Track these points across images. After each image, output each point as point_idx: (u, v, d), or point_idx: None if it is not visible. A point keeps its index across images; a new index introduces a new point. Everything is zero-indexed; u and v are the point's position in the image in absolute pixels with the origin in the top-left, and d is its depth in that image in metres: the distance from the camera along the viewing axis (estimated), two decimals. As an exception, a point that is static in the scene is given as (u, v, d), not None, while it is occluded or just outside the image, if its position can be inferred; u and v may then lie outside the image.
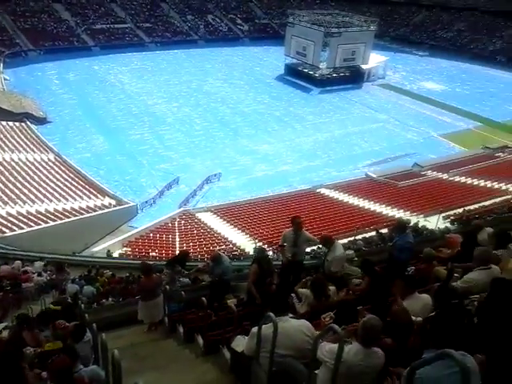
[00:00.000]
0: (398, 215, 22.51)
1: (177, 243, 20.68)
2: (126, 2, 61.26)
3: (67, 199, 23.24)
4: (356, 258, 9.26)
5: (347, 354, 2.94)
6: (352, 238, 17.76)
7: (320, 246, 10.08)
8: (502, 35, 56.41)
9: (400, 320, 3.36)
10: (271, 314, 3.28)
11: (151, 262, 13.29)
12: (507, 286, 3.60)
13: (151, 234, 21.78)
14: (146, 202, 24.92)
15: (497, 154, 32.14)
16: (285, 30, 51.61)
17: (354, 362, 2.89)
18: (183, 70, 48.27)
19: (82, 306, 9.54)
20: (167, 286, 7.67)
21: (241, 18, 65.58)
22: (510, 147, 33.43)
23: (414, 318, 3.70)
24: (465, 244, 6.36)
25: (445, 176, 28.33)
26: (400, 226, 7.76)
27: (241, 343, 4.21)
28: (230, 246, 20.32)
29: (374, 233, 18.96)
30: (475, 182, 27.07)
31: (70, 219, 20.83)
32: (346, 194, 25.91)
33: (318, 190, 26.66)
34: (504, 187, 25.41)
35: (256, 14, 67.32)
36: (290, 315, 4.44)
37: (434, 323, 2.70)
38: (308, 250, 14.26)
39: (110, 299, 11.52)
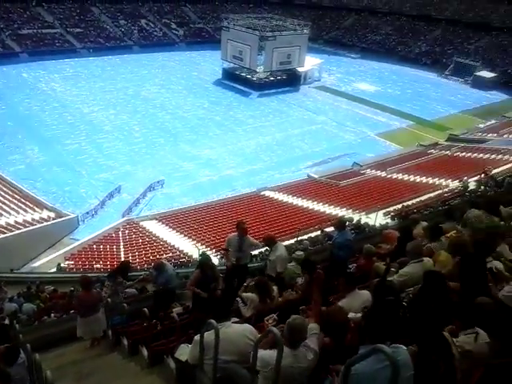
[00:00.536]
0: (340, 214, 23.11)
1: (122, 254, 20.17)
2: (54, 6, 58.76)
3: (1, 214, 22.02)
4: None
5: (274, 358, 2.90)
6: (298, 239, 18.08)
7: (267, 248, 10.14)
8: (426, 38, 59.53)
9: (336, 318, 3.44)
10: (212, 321, 3.27)
11: (95, 275, 12.88)
12: (437, 278, 3.81)
13: (94, 246, 21.09)
14: (87, 212, 24.11)
15: (429, 151, 33.84)
16: (220, 34, 51.69)
17: (283, 366, 2.89)
18: (119, 77, 47.16)
19: (17, 325, 9.08)
20: (109, 299, 7.46)
21: (175, 23, 64.90)
22: (440, 144, 35.35)
23: (354, 314, 3.81)
24: (401, 239, 6.62)
25: (383, 174, 29.41)
26: (339, 223, 7.97)
27: (184, 352, 4.17)
28: (177, 253, 20.09)
29: (319, 232, 19.39)
30: (412, 178, 28.33)
31: (5, 235, 19.71)
32: (290, 196, 26.28)
33: (262, 193, 26.88)
34: (437, 182, 26.78)
35: (190, 19, 66.95)
36: (236, 319, 4.46)
37: (368, 319, 2.80)
38: (256, 252, 14.41)
39: (53, 315, 11.04)
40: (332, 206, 24.54)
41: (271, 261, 7.01)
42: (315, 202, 25.21)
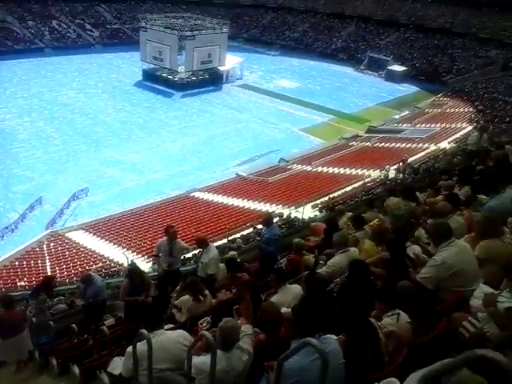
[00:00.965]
0: (271, 209, 23.49)
1: (48, 268, 19.12)
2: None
3: None
4: (239, 259, 9.42)
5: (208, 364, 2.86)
6: (230, 238, 18.13)
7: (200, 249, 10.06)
8: (341, 35, 61.93)
9: (268, 314, 3.49)
10: (143, 331, 3.19)
11: (19, 293, 12.13)
12: (361, 266, 3.99)
13: (17, 262, 19.78)
14: (7, 227, 22.53)
15: (351, 143, 35.28)
16: (138, 34, 50.43)
17: (218, 370, 2.87)
18: (32, 82, 44.42)
19: None
20: (33, 318, 7.04)
21: (90, 24, 62.25)
22: (360, 136, 36.97)
23: (286, 309, 3.89)
24: (327, 231, 6.83)
25: (309, 168, 30.24)
26: (266, 219, 8.05)
27: (118, 365, 4.05)
28: (107, 262, 19.39)
29: (251, 229, 19.56)
30: (336, 170, 29.42)
31: None
32: (220, 195, 26.27)
33: (191, 195, 26.63)
34: (360, 172, 27.98)
35: (106, 19, 64.64)
36: (170, 325, 4.39)
37: (297, 312, 2.88)
38: (189, 254, 14.26)
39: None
40: (262, 203, 24.85)
41: (203, 263, 6.97)
42: (245, 200, 25.40)
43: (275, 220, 20.49)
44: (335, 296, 3.80)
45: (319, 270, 5.09)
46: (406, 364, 2.85)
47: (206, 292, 5.75)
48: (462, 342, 3.04)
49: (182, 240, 8.44)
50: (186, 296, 5.77)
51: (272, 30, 65.74)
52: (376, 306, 3.54)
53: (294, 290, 4.61)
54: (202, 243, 7.18)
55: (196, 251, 13.10)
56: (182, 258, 10.05)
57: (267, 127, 38.00)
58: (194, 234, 19.08)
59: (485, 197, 6.74)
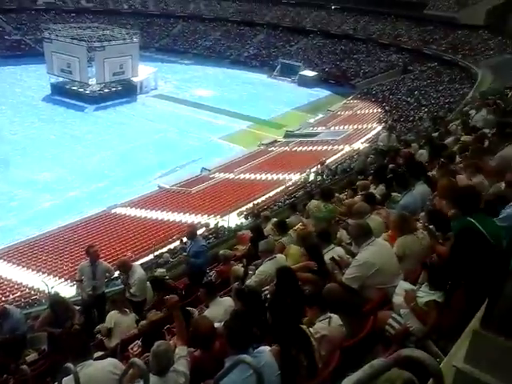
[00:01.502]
0: (196, 220, 23.39)
1: (-45, 305, 17.49)
2: None
3: None
4: (167, 276, 9.20)
5: None
6: (157, 253, 17.74)
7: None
8: (252, 42, 63.13)
9: (201, 329, 3.46)
10: (69, 365, 3.02)
11: None
12: (288, 273, 4.08)
13: None
14: None
15: (270, 149, 36.00)
16: (42, 46, 47.87)
17: None
18: None
19: None
20: None
21: (-13, 35, 58.06)
22: (279, 141, 37.84)
23: (219, 323, 3.88)
24: (254, 239, 6.90)
25: (231, 175, 30.42)
26: (190, 232, 7.96)
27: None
28: (26, 290, 18.14)
29: (178, 242, 19.27)
30: (258, 176, 29.88)
31: None
32: (143, 209, 25.62)
33: (112, 211, 25.69)
34: (282, 177, 28.67)
35: (5, 30, 60.45)
36: (100, 353, 4.20)
37: (229, 327, 2.88)
38: (116, 273, 13.71)
39: None
40: (187, 214, 24.63)
41: (130, 285, 6.74)
42: (170, 212, 25.02)
43: (201, 231, 20.47)
44: (266, 306, 3.85)
45: (249, 280, 5.13)
46: (340, 368, 2.96)
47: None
48: (389, 339, 3.22)
49: (106, 260, 8.13)
50: (112, 311, 5.59)
51: (184, 39, 65.43)
52: (307, 311, 3.64)
53: (226, 302, 4.60)
54: (125, 267, 6.94)
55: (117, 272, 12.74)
56: (107, 279, 9.65)
57: (186, 137, 37.69)
58: (119, 251, 18.53)
59: (398, 194, 7.16)
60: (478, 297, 2.08)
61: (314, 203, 6.95)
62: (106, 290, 8.00)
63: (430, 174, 7.90)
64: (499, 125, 9.12)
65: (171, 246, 19.22)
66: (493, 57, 43.21)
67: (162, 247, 19.25)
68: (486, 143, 8.32)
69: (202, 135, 38.09)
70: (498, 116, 11.80)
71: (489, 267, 2.56)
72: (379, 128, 36.15)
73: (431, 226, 4.62)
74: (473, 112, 15.12)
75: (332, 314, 3.52)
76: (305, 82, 51.79)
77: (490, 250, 3.05)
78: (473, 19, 48.21)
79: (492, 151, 7.39)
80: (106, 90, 45.87)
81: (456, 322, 2.90)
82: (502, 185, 5.51)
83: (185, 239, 18.42)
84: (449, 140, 11.41)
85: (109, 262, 8.95)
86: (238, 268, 6.29)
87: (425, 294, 3.29)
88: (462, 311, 2.96)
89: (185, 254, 8.41)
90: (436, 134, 14.84)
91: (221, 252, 7.02)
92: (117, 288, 9.69)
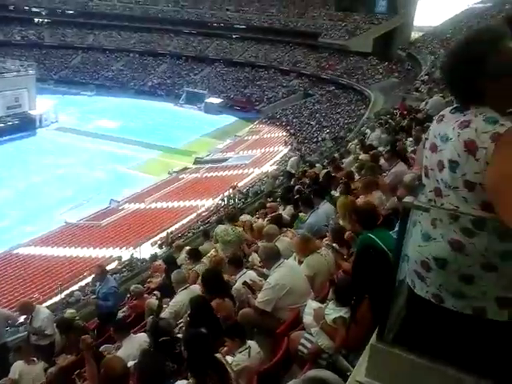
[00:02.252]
0: (108, 254, 22.61)
1: None
2: None
3: None
4: (77, 317, 8.68)
5: None
6: (66, 292, 16.81)
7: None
8: (156, 71, 62.87)
9: (111, 370, 3.31)
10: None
11: None
12: (201, 302, 4.06)
13: None
14: None
15: (181, 176, 35.77)
16: None
17: None
18: None
19: None
20: None
21: None
22: (189, 168, 37.75)
23: (133, 361, 3.74)
24: (167, 269, 6.80)
25: (142, 205, 29.72)
26: (99, 273, 7.59)
27: None
28: None
29: (89, 279, 18.37)
30: (170, 204, 29.47)
31: None
32: (49, 247, 24.19)
33: (15, 252, 23.92)
34: (194, 204, 28.54)
35: None
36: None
37: (140, 368, 2.80)
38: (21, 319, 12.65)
39: None
40: (97, 248, 23.65)
41: (34, 328, 6.28)
42: (79, 248, 23.87)
43: (114, 265, 19.71)
44: (181, 338, 3.79)
45: (163, 313, 5.02)
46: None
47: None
48: (303, 358, 3.31)
49: (9, 307, 7.52)
50: (17, 362, 5.18)
51: (84, 70, 63.42)
52: (227, 342, 3.63)
53: (140, 338, 4.46)
54: (27, 309, 6.46)
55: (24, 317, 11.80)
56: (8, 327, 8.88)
57: (92, 169, 36.27)
58: (24, 295, 17.16)
59: (305, 214, 7.46)
60: (381, 309, 2.22)
61: (221, 227, 7.03)
62: (9, 339, 7.38)
63: (333, 192, 8.36)
64: (391, 143, 9.93)
65: (82, 283, 18.27)
66: (382, 80, 47.09)
67: (73, 285, 18.24)
68: (382, 161, 8.98)
69: (109, 167, 36.90)
70: (389, 135, 12.84)
71: (387, 279, 2.75)
72: (286, 150, 37.57)
73: (334, 244, 4.87)
74: (368, 131, 16.28)
75: (250, 343, 3.55)
76: (211, 109, 52.45)
77: (389, 263, 3.28)
78: (362, 47, 52.29)
79: (385, 168, 8.01)
80: (1, 125, 42.90)
81: (363, 335, 3.07)
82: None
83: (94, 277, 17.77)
84: (348, 159, 12.18)
85: (12, 308, 8.28)
86: (153, 301, 6.13)
87: (332, 311, 3.42)
88: (368, 325, 3.14)
89: (94, 296, 7.97)
90: (337, 155, 15.79)
91: (132, 288, 6.79)
92: (21, 335, 8.98)
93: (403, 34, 55.32)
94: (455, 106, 1.80)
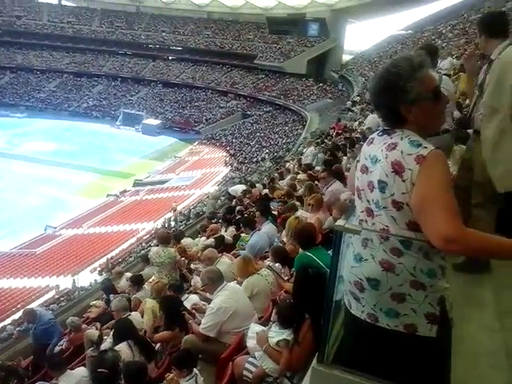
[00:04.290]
0: (45, 283, 21.69)
1: None
2: None
3: None
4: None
5: None
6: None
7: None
8: (91, 93, 61.33)
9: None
10: None
11: None
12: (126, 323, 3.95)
13: None
14: None
15: (120, 199, 34.82)
16: None
17: None
18: None
19: None
20: None
21: None
22: (128, 190, 36.86)
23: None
24: (107, 297, 6.59)
25: (80, 231, 28.63)
26: (29, 314, 7.12)
27: None
28: None
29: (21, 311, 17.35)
30: (109, 229, 28.58)
31: None
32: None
33: None
34: (135, 227, 27.86)
35: None
36: None
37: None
38: None
39: None
40: (33, 278, 22.46)
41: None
42: (11, 279, 22.53)
43: (51, 294, 18.80)
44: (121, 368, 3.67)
45: (104, 344, 4.85)
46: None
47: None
48: (248, 383, 3.30)
49: None
50: None
51: (14, 92, 60.56)
52: (174, 371, 3.55)
53: (77, 374, 4.27)
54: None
55: None
56: None
57: (25, 195, 34.41)
58: None
59: (247, 235, 7.52)
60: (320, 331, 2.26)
61: (153, 250, 6.98)
62: None
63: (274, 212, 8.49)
64: (326, 162, 10.24)
65: (15, 317, 17.20)
66: (317, 101, 48.74)
67: (5, 319, 17.16)
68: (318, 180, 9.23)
69: (45, 191, 35.19)
70: (326, 154, 13.25)
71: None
72: (226, 171, 37.70)
73: (277, 264, 4.94)
74: (306, 150, 16.71)
75: (196, 371, 3.51)
76: (149, 131, 51.80)
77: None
78: (296, 68, 54.12)
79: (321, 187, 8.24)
80: None
81: (306, 356, 3.12)
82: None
83: (34, 304, 16.81)
84: (287, 178, 12.42)
85: None
86: (92, 332, 5.90)
87: (275, 334, 3.43)
88: (310, 345, 3.20)
89: (30, 333, 7.47)
90: (276, 174, 16.05)
91: (68, 321, 6.48)
92: None
93: (335, 56, 57.92)
94: (383, 128, 1.91)
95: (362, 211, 1.92)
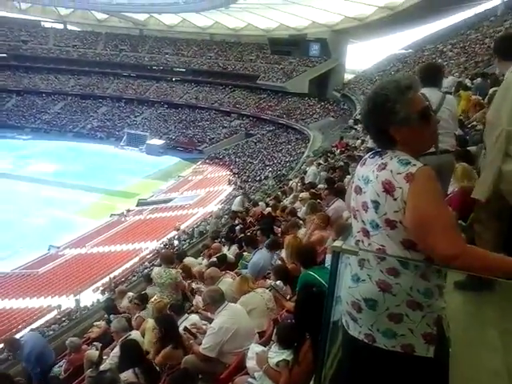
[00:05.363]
0: (47, 303, 21.64)
1: None
2: None
3: None
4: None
5: None
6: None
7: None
8: (96, 114, 62.01)
9: None
10: None
11: None
12: (132, 348, 3.92)
13: None
14: None
15: (124, 219, 34.87)
16: None
17: None
18: None
19: None
20: None
21: None
22: (132, 210, 36.95)
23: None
24: (108, 318, 6.55)
25: (83, 250, 28.65)
26: (10, 343, 6.96)
27: None
28: None
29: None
30: (113, 248, 28.59)
31: None
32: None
33: None
34: (138, 246, 27.86)
35: None
36: None
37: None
38: None
39: None
40: (35, 298, 22.40)
41: None
42: (14, 299, 22.50)
43: (53, 314, 18.69)
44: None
45: (103, 365, 4.81)
46: None
47: None
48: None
49: None
50: None
51: (20, 114, 61.33)
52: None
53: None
54: None
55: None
56: None
57: (30, 215, 34.60)
58: None
59: (249, 254, 7.50)
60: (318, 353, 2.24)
61: (155, 270, 6.96)
62: None
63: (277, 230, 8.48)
64: (328, 180, 10.28)
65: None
66: (319, 120, 49.04)
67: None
68: (322, 198, 9.24)
69: (49, 212, 35.35)
70: (328, 172, 13.29)
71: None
72: (230, 189, 37.77)
73: (278, 282, 4.92)
74: (308, 169, 16.76)
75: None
76: (153, 151, 52.14)
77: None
78: (299, 88, 54.58)
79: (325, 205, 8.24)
80: None
81: (306, 376, 3.08)
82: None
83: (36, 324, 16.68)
84: (290, 197, 12.44)
85: None
86: (92, 352, 5.86)
87: (275, 355, 3.40)
88: (310, 364, 3.15)
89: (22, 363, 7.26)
90: (279, 193, 16.08)
91: (67, 342, 6.42)
92: None
93: (337, 75, 58.40)
94: (375, 150, 1.93)
95: (359, 231, 1.92)
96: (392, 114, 1.79)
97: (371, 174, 1.83)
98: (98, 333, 7.20)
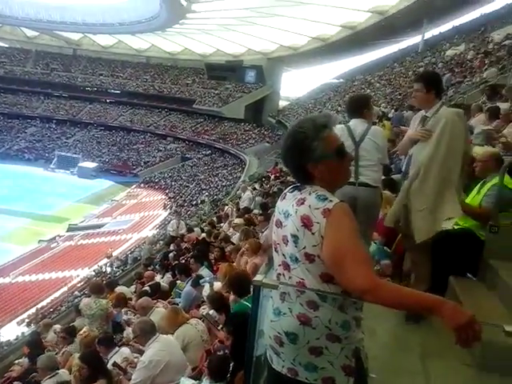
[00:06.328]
0: None
1: None
2: None
3: None
4: None
5: None
6: None
7: None
8: (25, 134, 59.12)
9: None
10: None
11: None
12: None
13: None
14: None
15: (53, 245, 33.18)
16: None
17: None
18: None
19: None
20: None
21: None
22: (62, 235, 35.26)
23: None
24: (32, 353, 6.24)
25: (7, 280, 26.86)
26: None
27: None
28: None
29: None
30: (41, 276, 27.09)
31: None
32: None
33: None
34: (68, 274, 26.60)
35: None
36: None
37: None
38: None
39: None
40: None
41: None
42: None
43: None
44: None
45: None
46: None
47: None
48: None
49: None
50: None
51: None
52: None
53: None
54: None
55: None
56: None
57: None
58: None
59: (183, 282, 7.46)
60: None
61: (84, 301, 6.72)
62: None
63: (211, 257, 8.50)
64: (262, 206, 10.48)
65: None
66: (255, 145, 49.87)
67: None
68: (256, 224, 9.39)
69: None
70: (262, 198, 13.54)
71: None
72: (165, 214, 37.18)
73: (211, 312, 4.94)
74: (243, 195, 16.96)
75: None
76: (85, 174, 50.40)
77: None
78: (235, 113, 55.40)
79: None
80: None
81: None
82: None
83: None
84: (225, 223, 12.51)
85: None
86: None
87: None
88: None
89: None
90: (215, 218, 16.11)
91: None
92: None
93: (272, 102, 59.96)
94: (294, 185, 2.04)
95: (280, 265, 1.98)
96: (310, 151, 1.88)
97: (291, 209, 1.90)
98: (19, 371, 6.79)
